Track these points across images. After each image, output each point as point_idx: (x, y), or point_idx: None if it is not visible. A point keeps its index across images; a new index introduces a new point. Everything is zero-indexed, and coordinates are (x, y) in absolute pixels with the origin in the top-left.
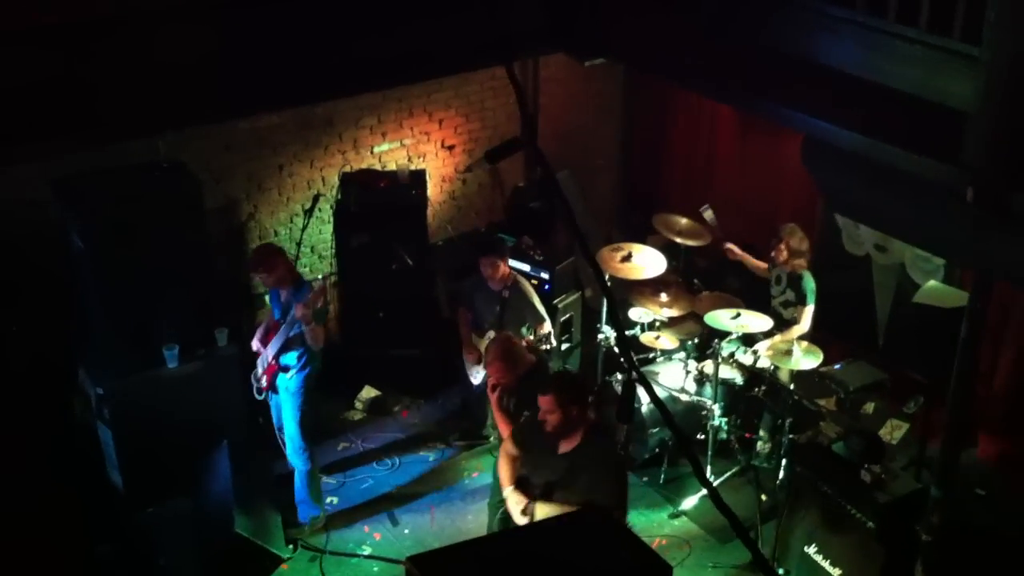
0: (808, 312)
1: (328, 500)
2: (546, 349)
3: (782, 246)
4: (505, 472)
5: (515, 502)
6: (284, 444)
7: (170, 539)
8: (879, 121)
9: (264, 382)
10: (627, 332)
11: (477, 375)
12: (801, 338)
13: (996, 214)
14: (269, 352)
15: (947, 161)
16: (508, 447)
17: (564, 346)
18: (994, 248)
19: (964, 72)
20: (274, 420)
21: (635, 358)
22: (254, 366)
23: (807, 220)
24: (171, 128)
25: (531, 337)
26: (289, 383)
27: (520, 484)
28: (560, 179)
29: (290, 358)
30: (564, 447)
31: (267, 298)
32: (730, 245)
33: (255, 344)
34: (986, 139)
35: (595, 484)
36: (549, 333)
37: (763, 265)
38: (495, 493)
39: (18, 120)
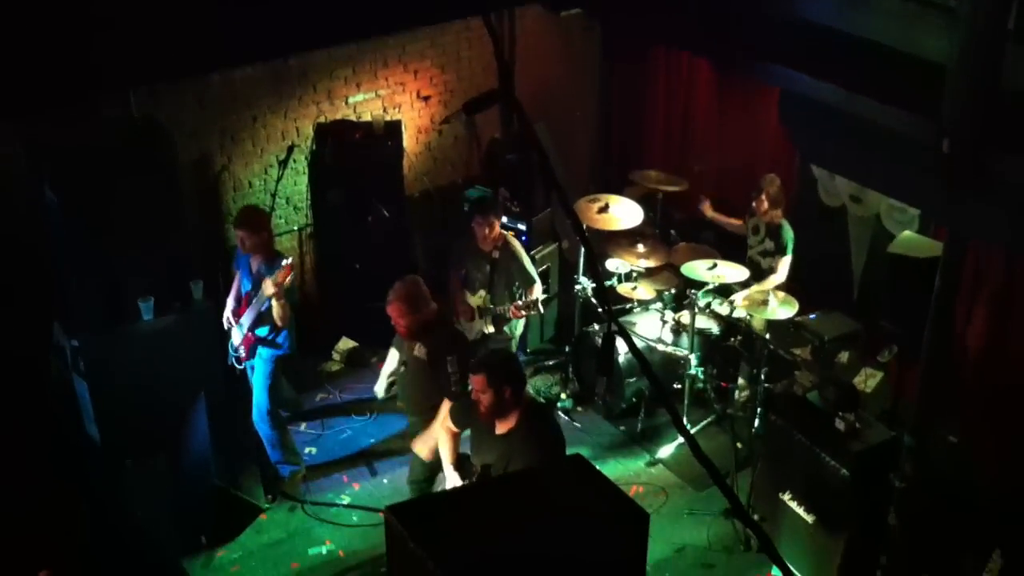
0: (785, 262)
1: (307, 451)
2: (534, 315)
3: (763, 196)
4: (446, 449)
5: (454, 483)
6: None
7: (149, 491)
8: (857, 75)
9: (243, 352)
10: (604, 283)
11: (472, 331)
12: (777, 288)
13: (970, 170)
14: (244, 323)
15: (924, 115)
16: (447, 423)
17: (541, 297)
18: (967, 205)
19: (942, 25)
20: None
21: (612, 309)
22: (229, 336)
23: (784, 175)
24: (159, 81)
25: (519, 302)
26: (263, 351)
27: (460, 463)
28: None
29: (264, 331)
30: (500, 428)
31: (234, 266)
32: (705, 206)
33: (226, 318)
34: (963, 93)
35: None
36: (538, 300)
37: (737, 222)
38: (414, 470)
39: None
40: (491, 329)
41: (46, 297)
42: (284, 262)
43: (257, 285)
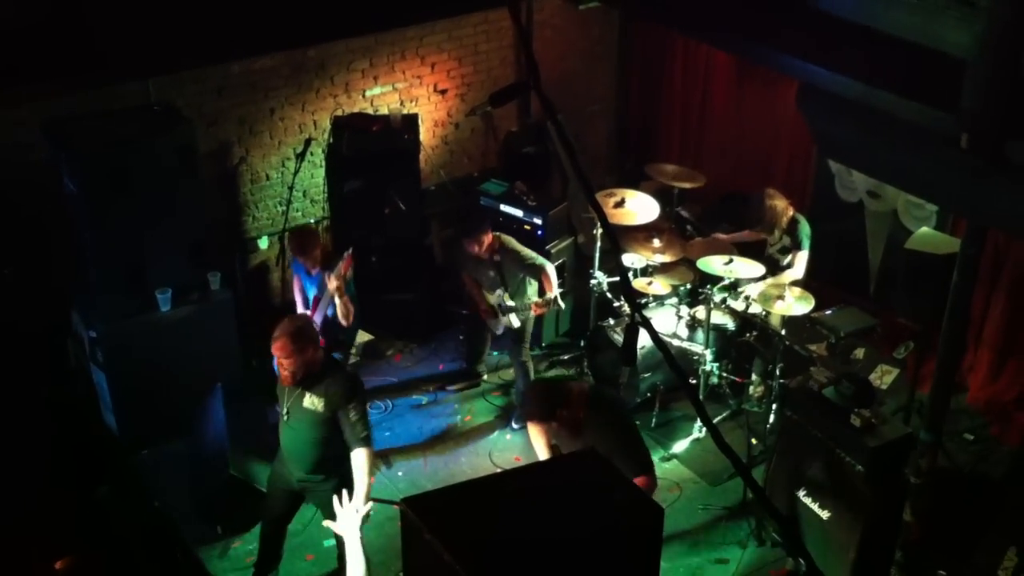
0: (802, 257)
1: None
2: (556, 311)
3: (769, 214)
4: (541, 442)
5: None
6: None
7: (165, 481)
8: (876, 68)
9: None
10: (628, 273)
11: (499, 327)
12: (794, 284)
13: (991, 162)
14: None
15: (943, 108)
16: (535, 429)
17: (558, 293)
18: (987, 196)
19: (962, 19)
20: None
21: (637, 300)
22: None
23: (802, 167)
24: (166, 70)
25: (538, 300)
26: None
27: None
28: (549, 125)
29: (335, 333)
30: (574, 433)
31: (292, 271)
32: (718, 237)
33: None
34: (983, 86)
35: (612, 455)
36: (556, 297)
37: (746, 233)
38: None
39: (11, 60)
40: (518, 323)
41: (65, 285)
42: (346, 253)
43: (322, 287)
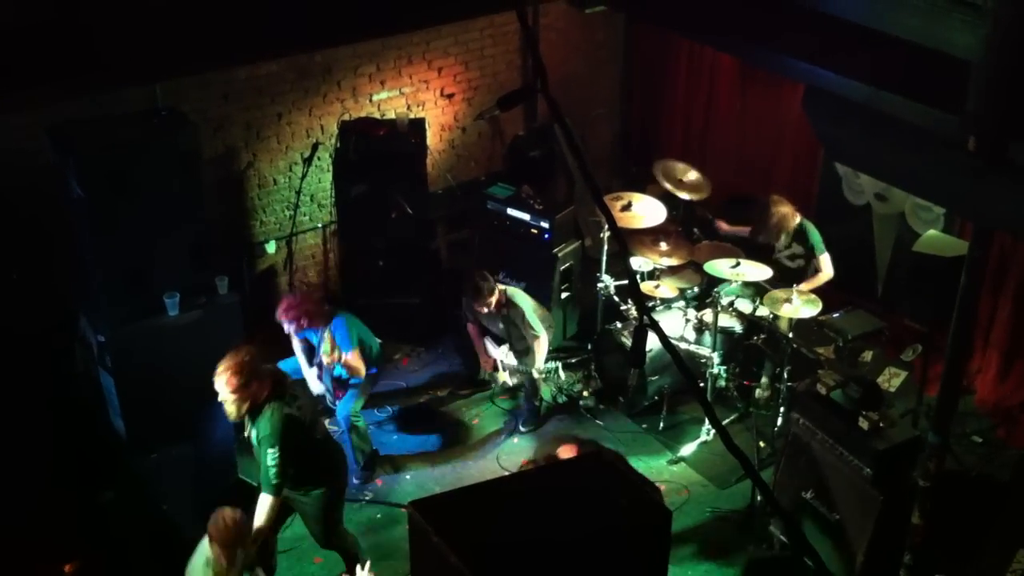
0: (826, 259)
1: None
2: (543, 378)
3: (771, 223)
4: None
5: None
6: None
7: (173, 484)
8: (881, 70)
9: (336, 397)
10: (636, 275)
11: (497, 382)
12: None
13: (995, 163)
14: (327, 381)
15: (949, 110)
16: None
17: (564, 295)
18: (992, 197)
19: (967, 21)
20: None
21: (645, 303)
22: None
23: (807, 169)
24: (171, 75)
25: (539, 369)
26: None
27: None
28: (556, 128)
29: (354, 379)
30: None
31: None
32: (720, 224)
33: (314, 384)
34: (988, 88)
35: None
36: (557, 369)
37: (747, 229)
38: None
39: (12, 65)
40: (513, 382)
41: (70, 290)
42: (322, 349)
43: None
